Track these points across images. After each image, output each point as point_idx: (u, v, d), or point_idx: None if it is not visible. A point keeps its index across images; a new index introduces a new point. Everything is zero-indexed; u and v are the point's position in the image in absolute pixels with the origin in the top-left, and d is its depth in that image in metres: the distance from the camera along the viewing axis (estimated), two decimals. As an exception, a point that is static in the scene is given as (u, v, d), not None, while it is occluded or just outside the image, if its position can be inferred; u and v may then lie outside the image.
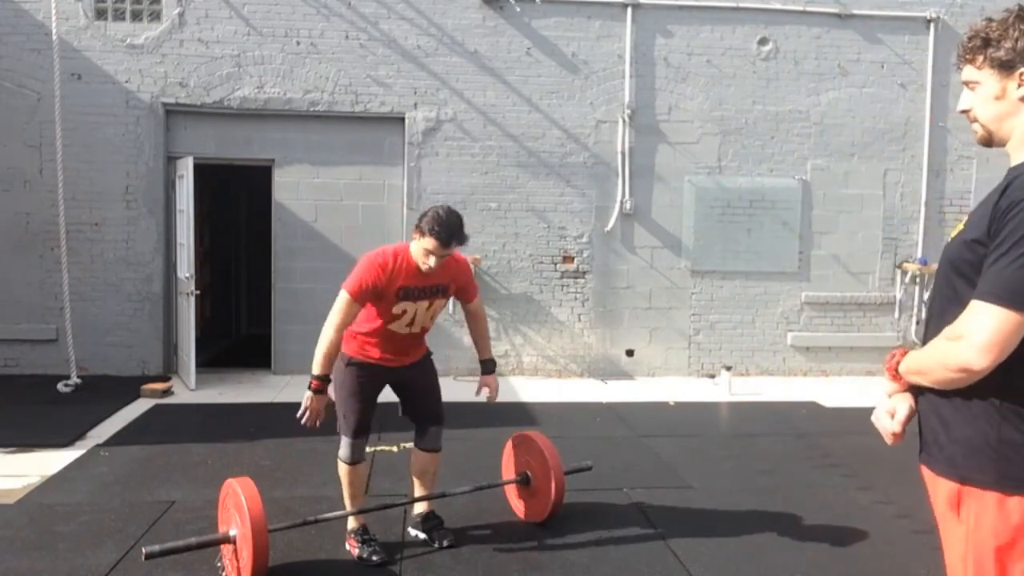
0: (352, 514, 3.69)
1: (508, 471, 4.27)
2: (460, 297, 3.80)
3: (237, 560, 3.31)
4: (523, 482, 4.08)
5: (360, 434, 3.64)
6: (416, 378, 3.78)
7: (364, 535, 3.69)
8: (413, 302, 3.53)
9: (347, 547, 3.71)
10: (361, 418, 3.63)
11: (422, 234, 3.39)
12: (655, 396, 7.26)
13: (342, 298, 3.48)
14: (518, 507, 4.19)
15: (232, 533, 3.36)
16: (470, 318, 3.90)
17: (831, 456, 5.40)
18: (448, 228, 3.36)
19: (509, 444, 4.26)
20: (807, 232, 8.25)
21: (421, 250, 3.41)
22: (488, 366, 3.89)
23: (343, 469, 3.69)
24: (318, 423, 3.51)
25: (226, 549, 3.44)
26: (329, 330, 3.46)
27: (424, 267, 3.43)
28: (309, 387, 3.47)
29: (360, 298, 3.46)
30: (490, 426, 5.96)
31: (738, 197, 8.14)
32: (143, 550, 3.23)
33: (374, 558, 3.59)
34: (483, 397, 3.90)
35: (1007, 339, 1.55)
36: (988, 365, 1.57)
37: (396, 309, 3.51)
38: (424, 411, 3.81)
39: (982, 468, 1.65)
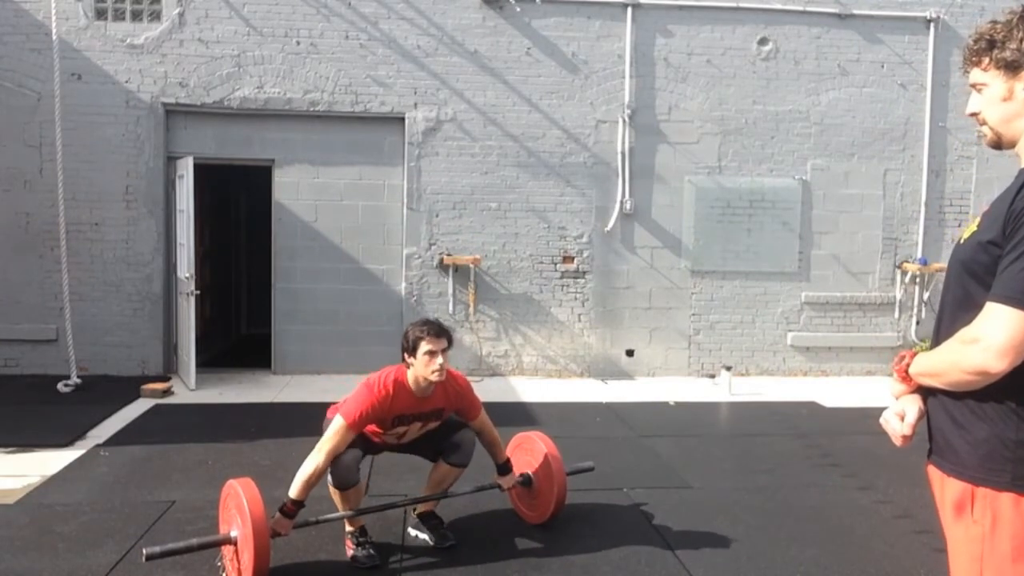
0: (351, 516, 3.67)
1: None
2: (462, 417, 3.81)
3: (238, 561, 3.30)
4: (524, 484, 4.07)
5: (352, 444, 3.52)
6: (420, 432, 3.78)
7: (360, 537, 3.66)
8: (406, 426, 3.62)
9: (345, 548, 3.70)
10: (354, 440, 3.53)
11: (414, 347, 3.45)
12: (655, 396, 7.26)
13: (338, 424, 3.42)
14: (519, 508, 4.19)
15: (233, 534, 3.34)
16: (477, 434, 3.87)
17: (831, 456, 5.40)
18: (432, 322, 3.53)
19: (511, 445, 4.26)
20: (807, 232, 8.25)
21: (423, 361, 3.44)
22: (504, 468, 3.95)
23: (334, 493, 3.62)
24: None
25: (227, 550, 3.43)
26: (319, 456, 3.40)
27: (435, 375, 3.44)
28: (281, 508, 3.40)
29: (356, 427, 3.45)
30: (490, 426, 5.96)
31: (738, 197, 8.14)
32: (143, 551, 3.22)
33: (366, 561, 3.56)
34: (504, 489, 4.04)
35: None
36: (1005, 368, 1.57)
37: (388, 431, 3.60)
38: (448, 433, 3.79)
39: (997, 469, 1.64)
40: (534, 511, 4.08)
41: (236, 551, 3.33)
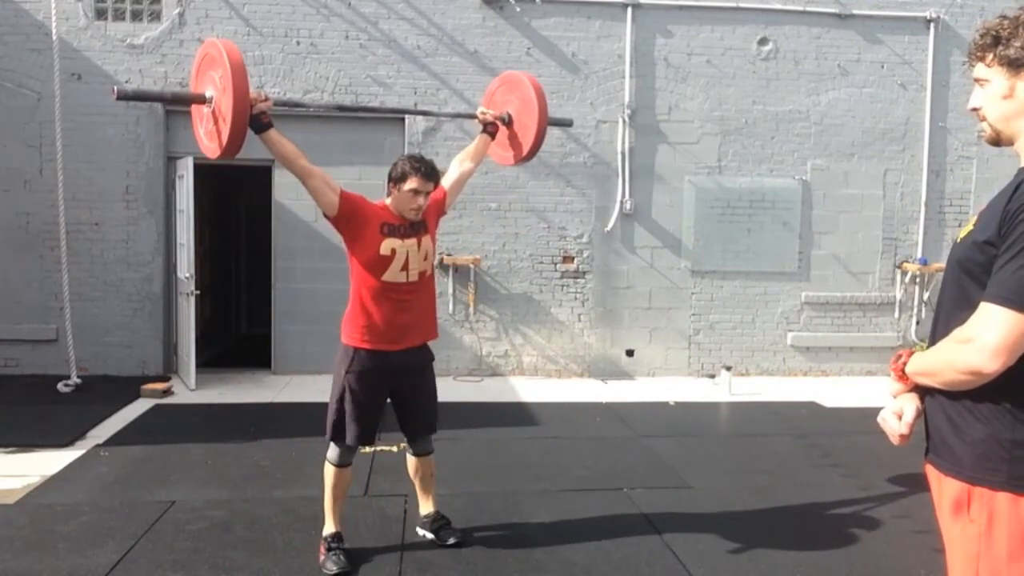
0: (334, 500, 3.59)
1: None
2: (446, 197, 3.78)
3: (216, 122, 3.11)
4: (504, 122, 4.04)
5: (359, 442, 3.49)
6: (418, 388, 3.66)
7: (333, 543, 3.57)
8: (400, 239, 3.48)
9: (319, 553, 3.60)
10: (363, 429, 3.47)
11: (402, 179, 3.47)
12: (655, 396, 7.26)
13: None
14: (495, 151, 4.16)
15: (209, 94, 3.15)
16: (467, 163, 3.93)
17: (831, 456, 5.40)
18: (426, 162, 3.50)
19: (496, 81, 4.24)
20: (807, 232, 8.25)
21: (406, 195, 3.46)
22: (489, 129, 4.03)
23: (329, 471, 3.56)
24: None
25: (199, 116, 3.23)
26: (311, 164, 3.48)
27: (412, 213, 3.47)
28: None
29: (344, 192, 3.46)
30: (490, 426, 5.98)
31: (738, 197, 8.14)
32: (114, 88, 3.10)
33: (335, 568, 3.46)
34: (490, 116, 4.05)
35: (1018, 342, 1.55)
36: (999, 368, 1.57)
37: (384, 249, 3.44)
38: (418, 424, 3.72)
39: (994, 469, 1.65)
40: (510, 150, 4.08)
41: (214, 113, 3.13)
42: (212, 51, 3.17)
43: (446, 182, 3.85)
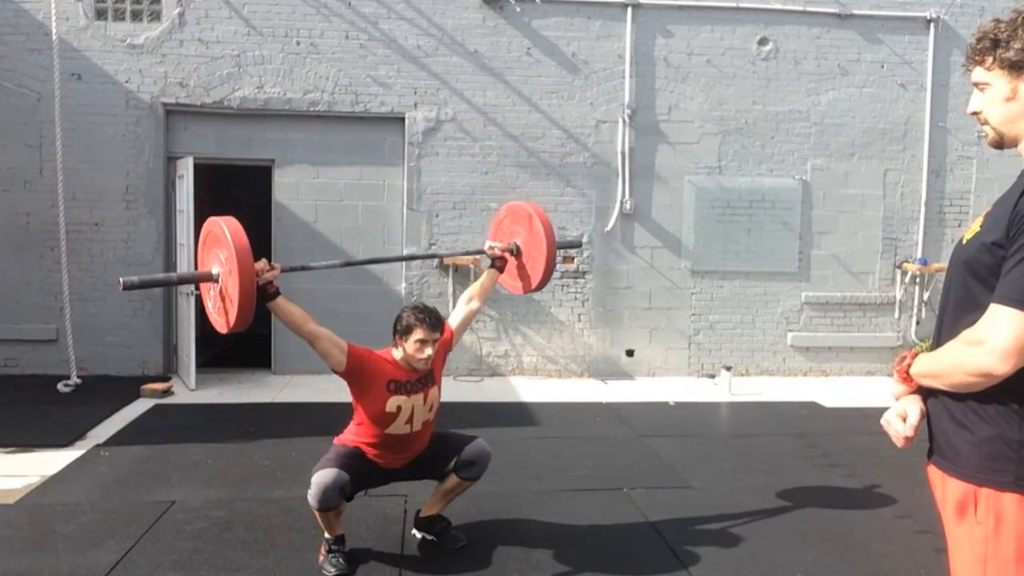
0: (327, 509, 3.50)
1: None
2: (452, 337, 3.78)
3: (223, 300, 3.13)
4: (512, 253, 4.05)
5: (341, 468, 3.36)
6: (423, 454, 3.66)
7: (334, 545, 3.54)
8: (407, 396, 3.47)
9: (318, 554, 3.59)
10: (346, 464, 3.39)
11: (407, 332, 3.44)
12: (655, 396, 7.26)
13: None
14: (504, 281, 4.16)
15: (215, 271, 3.16)
16: (474, 303, 3.91)
17: (831, 456, 5.40)
18: (430, 312, 3.48)
19: (502, 213, 4.23)
20: (807, 232, 8.25)
21: (413, 347, 3.43)
22: (497, 263, 4.04)
23: (315, 512, 3.45)
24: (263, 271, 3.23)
25: (208, 296, 3.25)
26: (315, 326, 3.43)
27: (422, 363, 3.44)
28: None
29: (350, 349, 3.41)
30: (490, 426, 5.97)
31: (738, 197, 8.14)
32: (120, 280, 3.07)
33: (332, 570, 3.44)
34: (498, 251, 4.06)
35: None
36: (1009, 370, 1.56)
37: (390, 406, 3.43)
38: (456, 448, 3.68)
39: (1000, 470, 1.64)
40: (519, 281, 4.09)
41: (221, 290, 3.14)
42: (216, 230, 3.18)
43: (453, 321, 3.85)
